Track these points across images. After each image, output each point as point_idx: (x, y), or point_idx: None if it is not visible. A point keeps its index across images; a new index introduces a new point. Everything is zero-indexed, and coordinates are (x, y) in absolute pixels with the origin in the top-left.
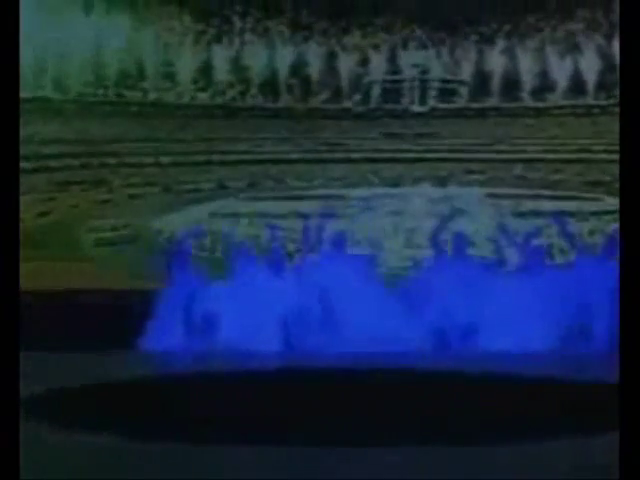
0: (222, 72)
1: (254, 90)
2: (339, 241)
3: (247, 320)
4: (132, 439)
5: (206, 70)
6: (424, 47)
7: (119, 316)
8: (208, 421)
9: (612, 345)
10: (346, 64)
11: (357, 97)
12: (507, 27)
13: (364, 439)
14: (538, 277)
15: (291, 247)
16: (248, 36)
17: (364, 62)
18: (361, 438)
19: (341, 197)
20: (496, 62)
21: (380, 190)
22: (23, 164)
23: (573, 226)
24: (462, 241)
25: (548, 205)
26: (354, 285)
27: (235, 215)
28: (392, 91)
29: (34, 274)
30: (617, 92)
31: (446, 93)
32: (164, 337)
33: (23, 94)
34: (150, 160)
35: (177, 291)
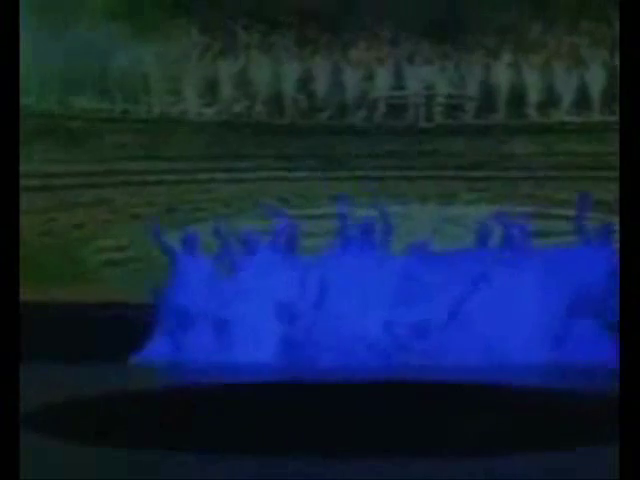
0: (227, 87)
1: (259, 106)
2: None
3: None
4: (135, 450)
5: (211, 85)
6: (429, 62)
7: (123, 329)
8: (214, 432)
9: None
10: (351, 79)
11: (362, 113)
12: (512, 41)
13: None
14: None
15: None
16: (253, 51)
17: (369, 77)
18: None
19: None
20: (502, 77)
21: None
22: (25, 182)
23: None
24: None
25: (554, 224)
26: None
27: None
28: (398, 107)
29: (36, 294)
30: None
31: (452, 109)
32: (165, 349)
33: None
34: (153, 178)
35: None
